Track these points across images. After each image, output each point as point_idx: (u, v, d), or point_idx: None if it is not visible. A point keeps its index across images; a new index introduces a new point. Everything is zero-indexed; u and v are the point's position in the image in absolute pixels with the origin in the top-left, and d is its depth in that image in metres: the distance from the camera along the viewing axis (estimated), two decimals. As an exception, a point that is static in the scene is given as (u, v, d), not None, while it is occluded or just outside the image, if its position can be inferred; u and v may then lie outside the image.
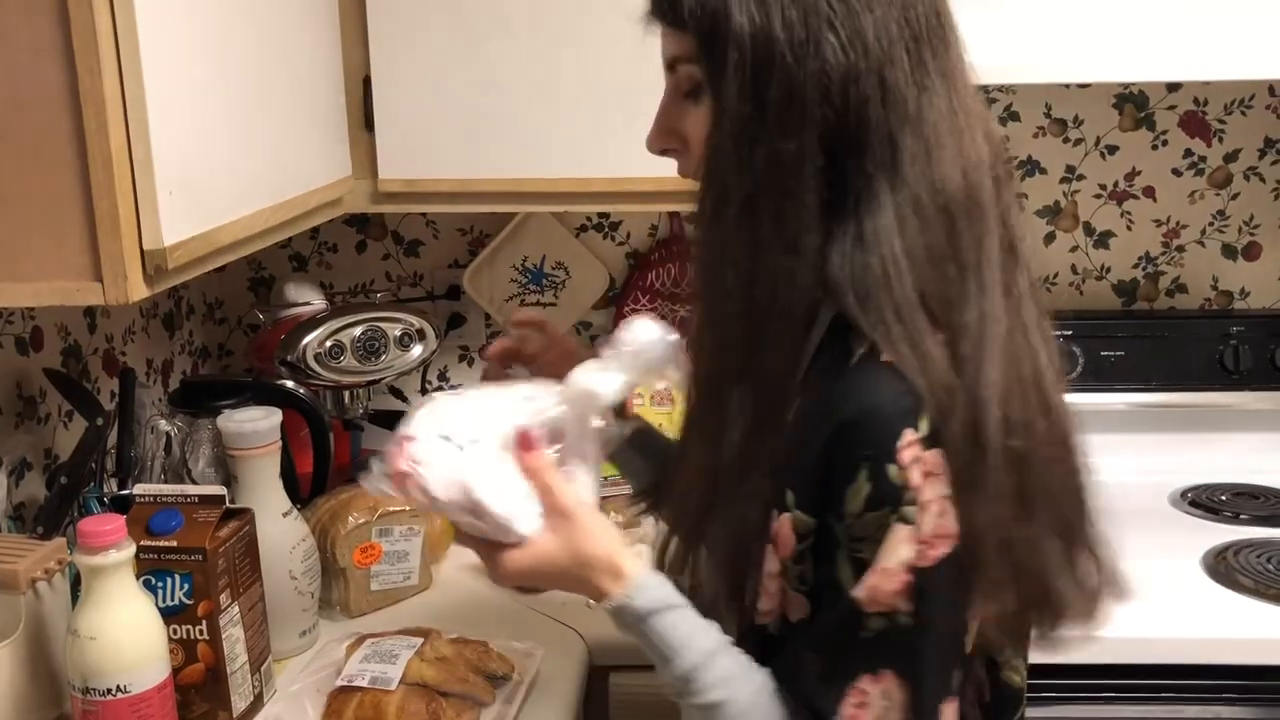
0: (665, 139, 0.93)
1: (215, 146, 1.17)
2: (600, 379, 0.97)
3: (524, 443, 0.95)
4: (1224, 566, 1.56)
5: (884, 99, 0.84)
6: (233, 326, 2.05)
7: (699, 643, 0.90)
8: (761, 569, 0.90)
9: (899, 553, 0.82)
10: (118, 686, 1.08)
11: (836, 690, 0.86)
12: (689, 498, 0.96)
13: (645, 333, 0.98)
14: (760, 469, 0.89)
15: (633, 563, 0.93)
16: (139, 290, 1.03)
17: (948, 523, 0.83)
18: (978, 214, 0.86)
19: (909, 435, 0.82)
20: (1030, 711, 1.43)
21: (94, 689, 1.08)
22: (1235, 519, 1.72)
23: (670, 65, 0.90)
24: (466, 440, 0.93)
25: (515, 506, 0.93)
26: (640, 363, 0.97)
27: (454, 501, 0.92)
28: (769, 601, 0.90)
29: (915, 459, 0.82)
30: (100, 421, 1.37)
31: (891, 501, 0.82)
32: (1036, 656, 1.40)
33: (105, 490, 1.41)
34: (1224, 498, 1.79)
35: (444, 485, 0.91)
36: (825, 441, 0.84)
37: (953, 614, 0.86)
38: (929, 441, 0.82)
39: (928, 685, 0.85)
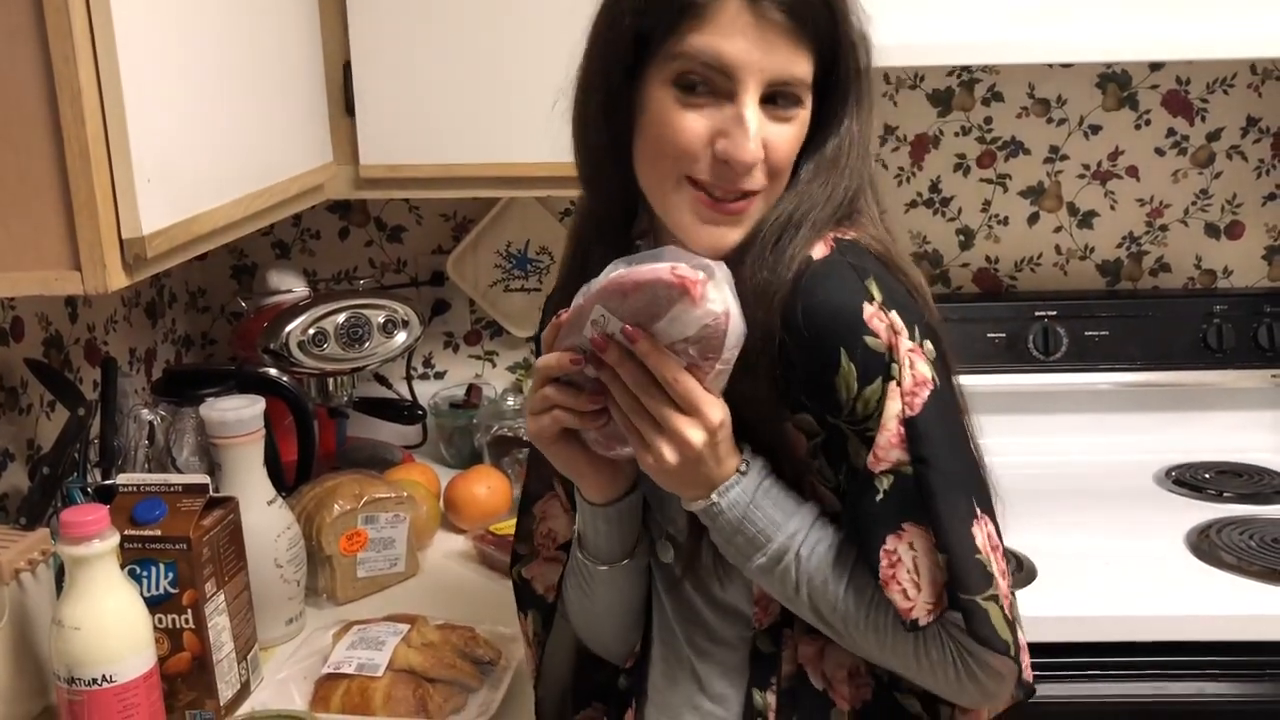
0: (787, 158, 0.94)
1: (194, 134, 1.16)
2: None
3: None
4: (1207, 544, 1.57)
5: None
6: (216, 315, 2.04)
7: (807, 507, 0.96)
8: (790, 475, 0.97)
9: (890, 409, 0.90)
10: (103, 676, 1.08)
11: (873, 559, 0.92)
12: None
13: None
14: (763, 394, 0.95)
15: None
16: (118, 279, 1.03)
17: (922, 369, 0.91)
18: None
19: (869, 307, 0.91)
20: (1015, 690, 1.45)
21: (79, 679, 1.08)
22: (1219, 497, 1.73)
23: (779, 84, 0.90)
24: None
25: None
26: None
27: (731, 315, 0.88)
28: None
29: (883, 323, 0.91)
30: (82, 411, 1.36)
31: (880, 368, 0.91)
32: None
33: (89, 480, 1.40)
34: (1208, 476, 1.80)
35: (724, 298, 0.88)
36: (797, 347, 0.91)
37: (953, 448, 0.93)
38: (886, 304, 0.92)
39: (947, 520, 0.91)
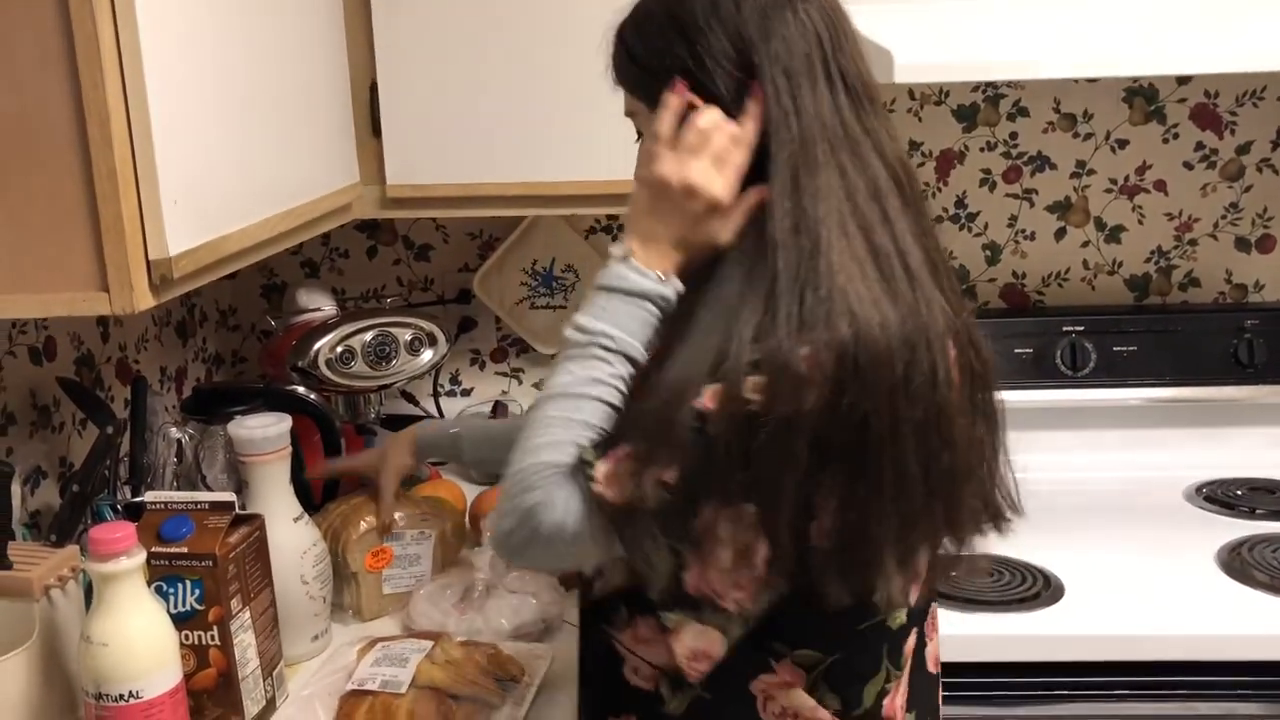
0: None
1: (220, 156, 1.18)
2: None
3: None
4: (1239, 562, 1.55)
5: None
6: (246, 333, 2.07)
7: (636, 347, 1.00)
8: None
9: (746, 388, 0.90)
10: (130, 692, 1.09)
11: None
12: None
13: None
14: None
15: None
16: (145, 300, 1.04)
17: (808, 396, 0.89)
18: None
19: None
20: (1044, 709, 1.45)
21: (107, 695, 1.09)
22: (1251, 514, 1.71)
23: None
24: None
25: None
26: None
27: None
28: None
29: None
30: (111, 429, 1.38)
31: None
32: (1048, 654, 1.42)
33: (119, 498, 1.42)
34: (1239, 492, 1.78)
35: None
36: None
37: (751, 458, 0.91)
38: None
39: (695, 478, 0.91)
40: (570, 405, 0.98)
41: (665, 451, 0.91)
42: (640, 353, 1.00)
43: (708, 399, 0.90)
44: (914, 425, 0.91)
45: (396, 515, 1.52)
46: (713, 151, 0.98)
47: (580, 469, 0.95)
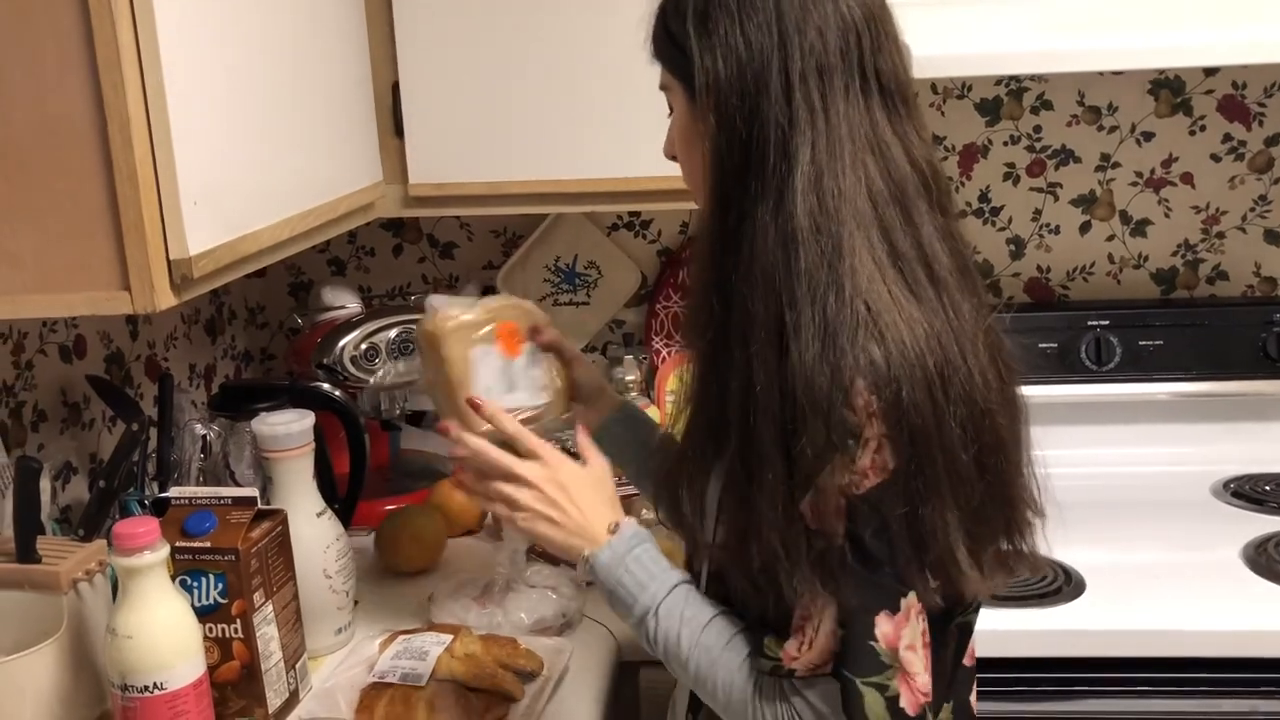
0: (669, 147, 1.09)
1: (239, 157, 1.19)
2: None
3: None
4: (1265, 558, 1.53)
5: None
6: (274, 331, 2.09)
7: (673, 573, 1.03)
8: None
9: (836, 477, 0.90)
10: (154, 684, 1.11)
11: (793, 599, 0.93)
12: None
13: None
14: None
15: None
16: (166, 299, 1.06)
17: (884, 458, 0.89)
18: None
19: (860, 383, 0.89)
20: (1067, 705, 1.44)
21: (132, 686, 1.11)
22: (1279, 510, 1.69)
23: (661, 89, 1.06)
24: None
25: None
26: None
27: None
28: None
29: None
30: (136, 426, 1.40)
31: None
32: (1069, 649, 1.41)
33: (146, 493, 1.45)
34: (1267, 488, 1.76)
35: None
36: None
37: (885, 538, 0.91)
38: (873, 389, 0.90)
39: (853, 601, 0.91)
40: (705, 646, 0.99)
41: (819, 597, 0.91)
42: (684, 573, 1.03)
43: (808, 510, 0.90)
44: (958, 421, 0.90)
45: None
46: (508, 464, 1.07)
47: (767, 670, 0.95)
